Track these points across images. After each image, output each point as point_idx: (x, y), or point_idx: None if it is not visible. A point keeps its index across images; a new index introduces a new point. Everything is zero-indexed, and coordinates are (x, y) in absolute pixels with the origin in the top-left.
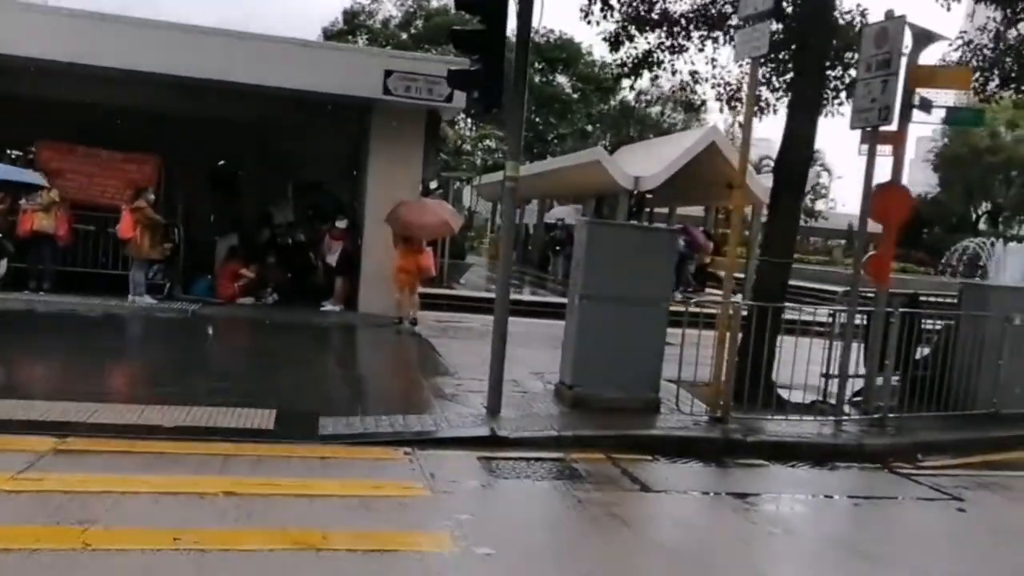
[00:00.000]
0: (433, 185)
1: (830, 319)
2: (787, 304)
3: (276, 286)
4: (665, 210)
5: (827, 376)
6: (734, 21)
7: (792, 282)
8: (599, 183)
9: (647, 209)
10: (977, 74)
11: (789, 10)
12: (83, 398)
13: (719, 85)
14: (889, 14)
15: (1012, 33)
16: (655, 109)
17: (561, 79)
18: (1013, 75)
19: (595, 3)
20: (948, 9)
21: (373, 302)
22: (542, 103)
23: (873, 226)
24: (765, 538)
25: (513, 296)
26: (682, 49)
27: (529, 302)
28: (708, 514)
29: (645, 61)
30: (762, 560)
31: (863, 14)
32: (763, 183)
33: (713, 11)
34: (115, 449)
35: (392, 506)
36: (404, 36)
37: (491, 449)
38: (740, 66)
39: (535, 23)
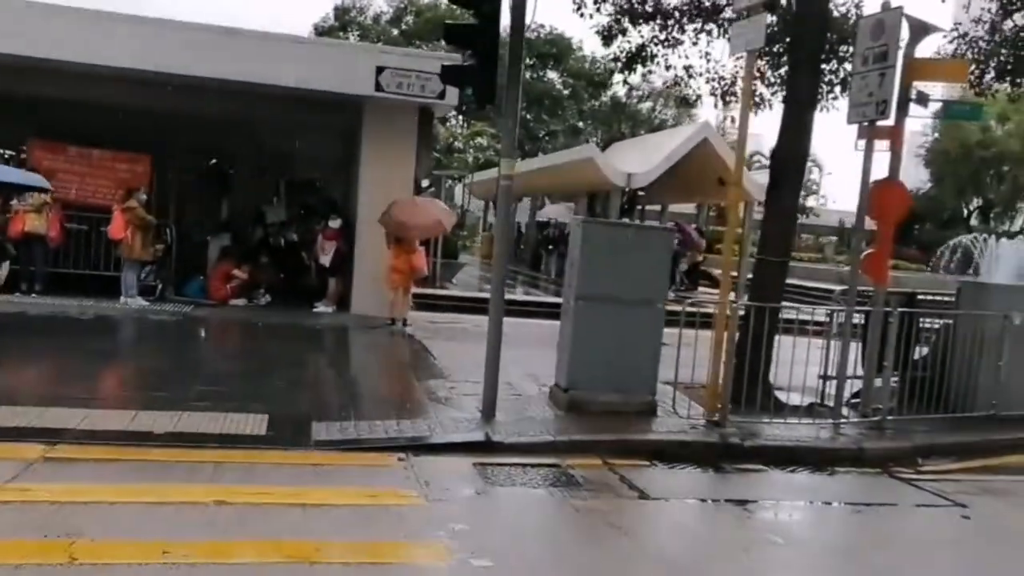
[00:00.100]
0: (425, 183)
1: (827, 319)
2: (785, 304)
3: (268, 287)
4: (657, 207)
5: (825, 378)
6: (728, 14)
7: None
8: (591, 180)
9: (639, 206)
10: (973, 67)
11: (784, 2)
12: (73, 403)
13: (713, 80)
14: (885, 5)
15: (1008, 24)
16: (646, 105)
17: (552, 75)
18: (1009, 67)
19: None
20: (943, 1)
21: (366, 303)
22: (533, 100)
23: (867, 222)
24: (767, 547)
25: (506, 296)
26: (676, 43)
27: (522, 302)
28: (708, 522)
29: (638, 55)
30: (764, 571)
31: (858, 6)
32: (755, 179)
33: (707, 3)
34: (105, 457)
35: (387, 516)
36: (395, 32)
37: (486, 454)
38: (737, 58)
39: (528, 17)
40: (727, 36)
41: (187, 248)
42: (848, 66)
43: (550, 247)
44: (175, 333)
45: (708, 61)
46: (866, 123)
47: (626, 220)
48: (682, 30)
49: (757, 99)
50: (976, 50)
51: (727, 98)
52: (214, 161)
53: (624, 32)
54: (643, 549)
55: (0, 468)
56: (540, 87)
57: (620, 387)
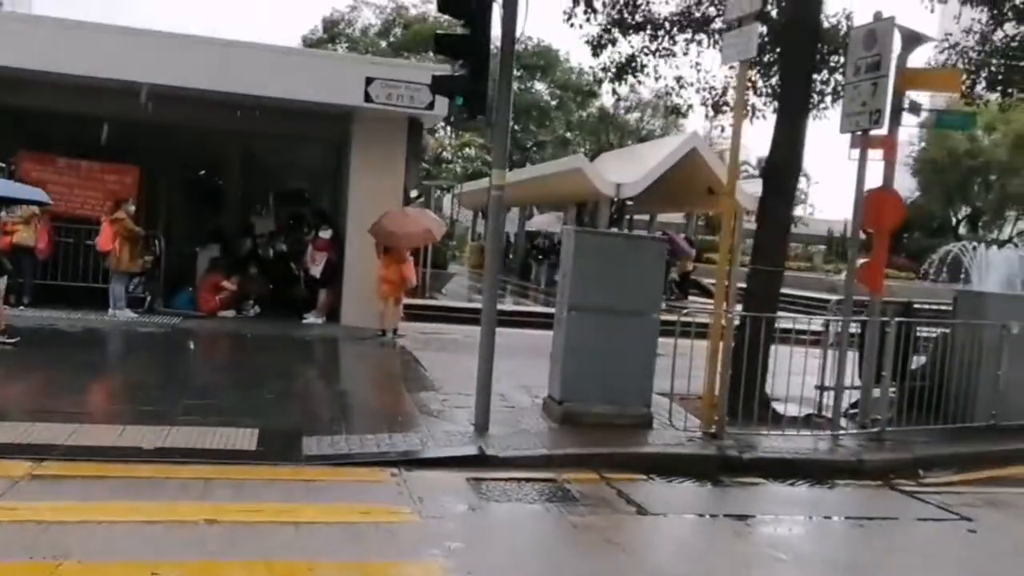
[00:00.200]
0: (414, 194)
1: (822, 328)
2: (781, 314)
3: (258, 298)
4: (646, 217)
5: (822, 388)
6: (718, 24)
7: None
8: (580, 190)
9: (627, 216)
10: (964, 77)
11: (774, 13)
12: (61, 418)
13: (704, 90)
14: (877, 15)
15: (998, 35)
16: (634, 116)
17: (539, 86)
18: (1000, 77)
19: (579, 5)
20: (931, 11)
21: (356, 314)
22: (521, 111)
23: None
24: (770, 564)
25: (497, 307)
26: (668, 53)
27: (513, 312)
28: (708, 538)
29: (628, 65)
30: None
31: (848, 17)
32: (745, 189)
33: (697, 14)
34: (93, 474)
35: (380, 533)
36: (383, 44)
37: (480, 469)
38: (731, 68)
39: (520, 27)
40: (718, 47)
41: (176, 259)
42: (839, 76)
43: (540, 257)
44: (164, 345)
45: (699, 71)
46: (859, 132)
47: (615, 230)
48: (673, 40)
49: (748, 109)
50: (967, 60)
51: (718, 108)
52: (203, 172)
53: (614, 42)
54: (643, 567)
55: None
56: (528, 98)
57: (615, 399)
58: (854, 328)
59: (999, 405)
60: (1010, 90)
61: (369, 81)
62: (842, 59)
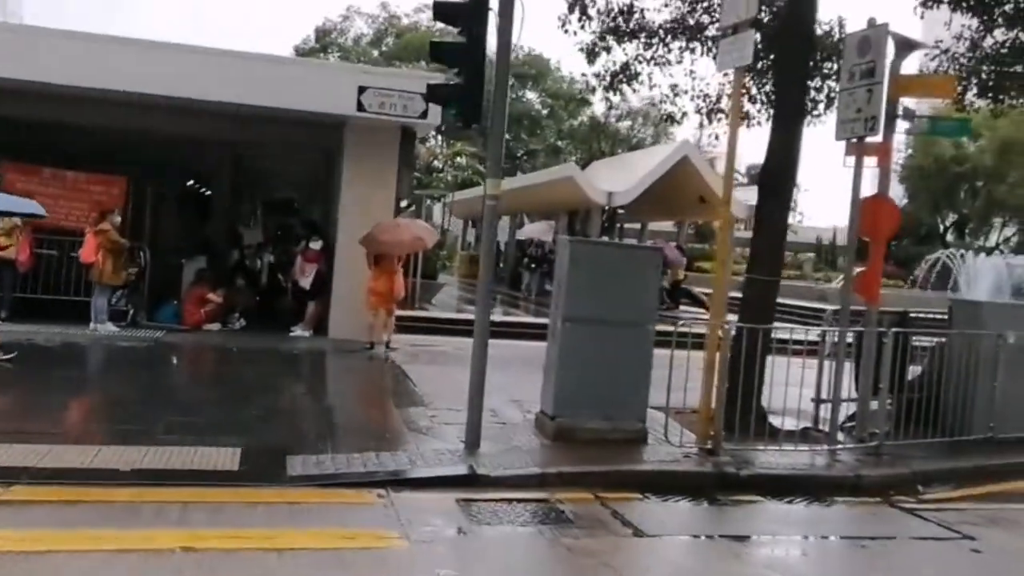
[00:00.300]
0: (404, 203)
1: (818, 339)
2: (778, 325)
3: (244, 310)
4: (637, 225)
5: (818, 401)
6: (712, 32)
7: None
8: (572, 199)
9: (619, 224)
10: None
11: (766, 20)
12: (34, 439)
13: (698, 97)
14: (871, 22)
15: (988, 41)
16: (625, 124)
17: (530, 95)
18: (991, 84)
19: (573, 12)
20: (922, 17)
21: (344, 327)
22: (512, 119)
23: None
24: None
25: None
26: (663, 62)
27: (504, 323)
28: (707, 561)
29: (622, 73)
30: None
31: (840, 24)
32: (735, 196)
33: (691, 21)
34: (65, 498)
35: (368, 560)
36: (376, 53)
37: (471, 489)
38: (725, 75)
39: (515, 35)
40: (712, 54)
41: (161, 271)
42: (832, 83)
43: (533, 266)
44: (145, 360)
45: (693, 79)
46: (855, 139)
47: (606, 238)
48: (667, 48)
49: (743, 115)
50: (958, 67)
51: (715, 115)
52: (191, 182)
53: (608, 50)
54: None
55: None
56: (519, 107)
57: (609, 414)
58: (849, 338)
59: (997, 417)
60: (1001, 96)
61: (362, 90)
62: (835, 66)
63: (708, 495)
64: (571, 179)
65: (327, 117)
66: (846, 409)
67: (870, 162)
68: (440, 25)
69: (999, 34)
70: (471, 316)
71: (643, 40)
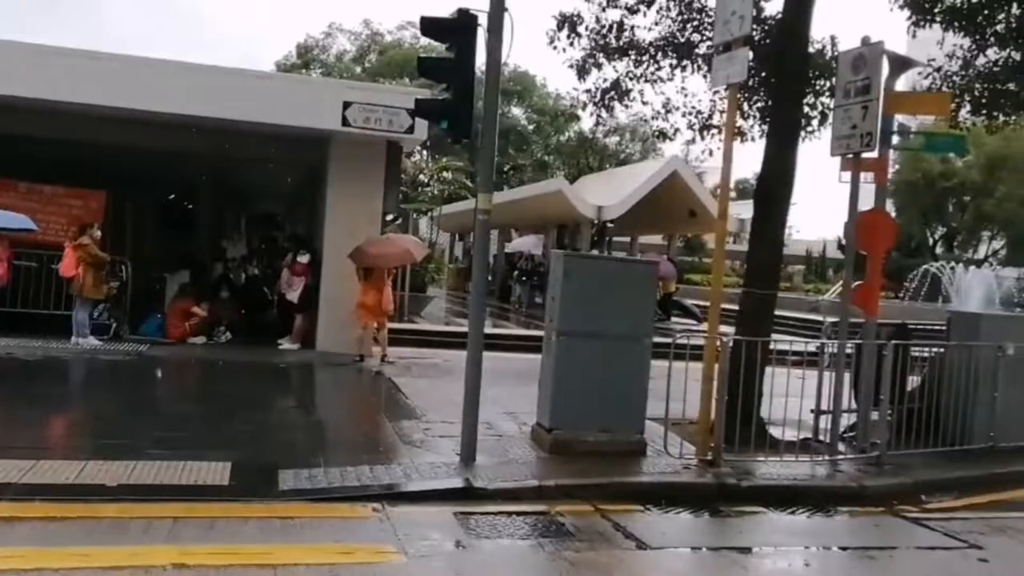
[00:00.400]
0: (390, 217)
1: (817, 351)
2: (776, 337)
3: (229, 324)
4: (627, 239)
5: (818, 412)
6: (702, 50)
7: None
8: (561, 213)
9: (608, 238)
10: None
11: (758, 39)
12: (17, 454)
13: (690, 114)
14: (865, 40)
15: (981, 60)
16: (613, 139)
17: (516, 111)
18: (984, 101)
19: (562, 29)
20: (914, 36)
21: (331, 340)
22: (499, 135)
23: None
24: None
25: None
26: (655, 79)
27: (494, 335)
28: (712, 574)
29: (613, 90)
30: None
31: (834, 42)
32: None
33: (681, 39)
34: (51, 515)
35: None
36: (358, 70)
37: (467, 503)
38: (717, 92)
39: (505, 52)
40: (702, 72)
41: (144, 284)
42: (825, 99)
43: (524, 278)
44: (129, 374)
45: (685, 95)
46: (850, 155)
47: (595, 252)
48: (658, 65)
49: (736, 131)
50: (951, 84)
51: (705, 132)
52: (173, 196)
53: (599, 67)
54: None
55: None
56: (505, 122)
57: (607, 426)
58: (848, 349)
59: (997, 427)
60: (995, 113)
61: (347, 105)
62: (827, 83)
63: (709, 506)
64: (560, 193)
65: (312, 132)
66: (846, 420)
67: (866, 177)
68: (424, 41)
69: (992, 53)
70: (461, 328)
71: (633, 57)
